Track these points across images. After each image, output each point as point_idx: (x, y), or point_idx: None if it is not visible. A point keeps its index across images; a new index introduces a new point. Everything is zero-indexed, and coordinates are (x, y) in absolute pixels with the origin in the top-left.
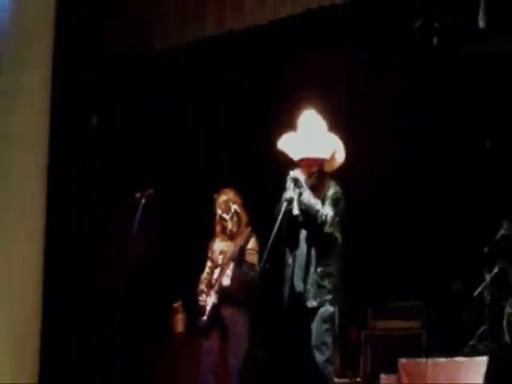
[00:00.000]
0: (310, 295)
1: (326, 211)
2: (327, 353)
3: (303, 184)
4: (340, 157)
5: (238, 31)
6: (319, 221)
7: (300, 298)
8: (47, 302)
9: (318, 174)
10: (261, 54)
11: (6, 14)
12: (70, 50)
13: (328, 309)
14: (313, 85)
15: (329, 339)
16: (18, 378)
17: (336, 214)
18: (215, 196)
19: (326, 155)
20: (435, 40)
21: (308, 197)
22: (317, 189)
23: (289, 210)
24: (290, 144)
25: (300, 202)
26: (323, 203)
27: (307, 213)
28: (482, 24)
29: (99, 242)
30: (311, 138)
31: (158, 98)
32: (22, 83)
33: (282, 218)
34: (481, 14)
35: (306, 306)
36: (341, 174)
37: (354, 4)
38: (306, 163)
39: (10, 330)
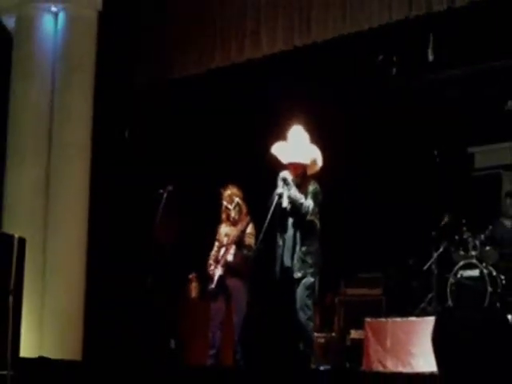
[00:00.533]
0: (296, 268)
1: (308, 203)
2: (309, 312)
3: (290, 182)
4: (319, 163)
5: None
6: (303, 211)
7: (288, 270)
8: (91, 282)
9: (302, 175)
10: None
11: (58, 52)
12: (108, 77)
13: (309, 279)
14: (299, 107)
15: (310, 302)
16: (63, 354)
17: (315, 205)
18: (222, 190)
19: (307, 161)
20: (394, 70)
21: (294, 192)
22: (301, 186)
23: (279, 203)
24: (280, 150)
25: (288, 196)
26: (306, 197)
27: (293, 205)
28: (430, 57)
29: (134, 228)
30: (297, 146)
31: (175, 114)
32: (72, 103)
33: (273, 209)
34: (430, 49)
35: (293, 277)
36: (318, 175)
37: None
38: (292, 166)
39: (55, 309)
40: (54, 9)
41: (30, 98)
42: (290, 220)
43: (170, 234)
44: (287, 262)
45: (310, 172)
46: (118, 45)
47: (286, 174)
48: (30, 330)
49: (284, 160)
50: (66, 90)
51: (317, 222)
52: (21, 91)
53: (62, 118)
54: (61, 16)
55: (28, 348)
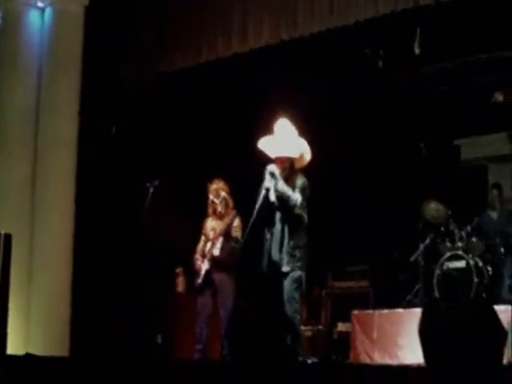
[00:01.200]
0: (284, 262)
1: (296, 197)
2: (296, 306)
3: (278, 176)
4: (307, 157)
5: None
6: (291, 204)
7: (276, 264)
8: (77, 278)
9: (289, 168)
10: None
11: (44, 48)
12: (94, 72)
13: (297, 272)
14: (287, 98)
15: (297, 295)
16: (50, 351)
17: (303, 199)
18: (208, 184)
19: (295, 155)
20: (380, 63)
21: (281, 186)
22: (288, 180)
23: (266, 197)
24: (267, 144)
25: (275, 190)
26: (293, 191)
27: (281, 198)
28: (417, 51)
29: (120, 223)
30: (284, 140)
31: (162, 108)
32: (58, 99)
33: (260, 203)
34: (416, 43)
35: (281, 271)
36: (306, 168)
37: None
38: (279, 160)
39: (42, 305)
40: (40, 4)
41: (16, 93)
42: (278, 214)
43: (157, 227)
44: (275, 255)
45: (297, 165)
46: (104, 40)
47: (273, 167)
48: (17, 326)
49: (271, 154)
50: (53, 85)
51: (305, 215)
52: (7, 87)
53: (48, 114)
54: (47, 11)
55: (15, 345)
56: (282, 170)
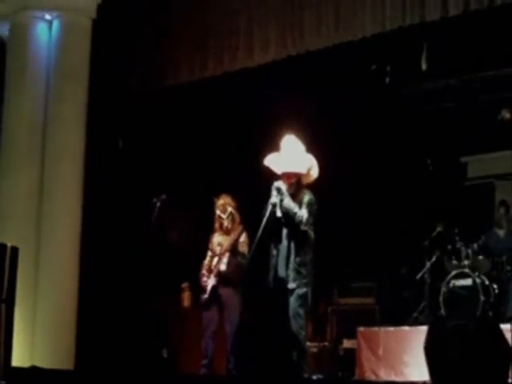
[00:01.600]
0: (290, 279)
1: (302, 213)
2: (301, 322)
3: (284, 192)
4: (314, 172)
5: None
6: (297, 220)
7: (282, 281)
8: (83, 291)
9: (296, 184)
10: (248, 92)
11: (52, 60)
12: (102, 85)
13: (303, 289)
14: (293, 113)
15: (302, 311)
16: (55, 363)
17: (310, 215)
18: (215, 200)
19: (302, 170)
20: (387, 80)
21: (288, 202)
22: (295, 196)
23: (273, 213)
24: (273, 161)
25: (282, 206)
26: (300, 207)
27: (287, 214)
28: (424, 67)
29: (127, 237)
30: (291, 156)
31: (169, 124)
32: (65, 111)
33: (267, 219)
34: (423, 59)
35: (287, 288)
36: (313, 184)
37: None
38: (286, 176)
39: (47, 318)
40: (48, 17)
41: (23, 105)
42: (285, 230)
43: (163, 242)
44: (281, 272)
45: (305, 181)
46: (111, 53)
47: (280, 183)
48: (23, 339)
49: (278, 170)
50: (60, 97)
51: (311, 232)
52: (14, 99)
53: (55, 126)
54: (55, 24)
55: (20, 357)
56: (289, 186)
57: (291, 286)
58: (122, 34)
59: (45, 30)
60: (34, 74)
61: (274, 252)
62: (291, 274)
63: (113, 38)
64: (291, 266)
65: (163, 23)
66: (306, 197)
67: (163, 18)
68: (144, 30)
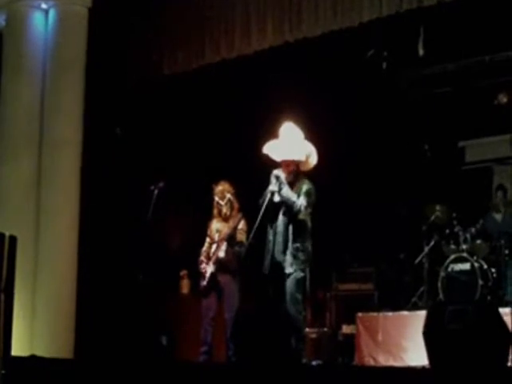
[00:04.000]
0: (288, 264)
1: (301, 202)
2: (298, 306)
3: (283, 180)
4: (313, 160)
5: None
6: (295, 209)
7: (279, 265)
8: (82, 280)
9: (295, 172)
10: (245, 79)
11: (48, 50)
12: (99, 74)
13: (300, 274)
14: (291, 100)
15: (299, 296)
16: (54, 352)
17: (308, 204)
18: (214, 186)
19: (301, 158)
20: (384, 65)
21: (286, 191)
22: (294, 184)
23: (271, 200)
24: (272, 148)
25: (280, 195)
26: (298, 196)
27: (286, 203)
28: (421, 52)
29: (125, 225)
30: (290, 143)
31: (166, 112)
32: (62, 101)
33: (265, 206)
34: (420, 44)
35: (284, 272)
36: (311, 170)
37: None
38: (285, 163)
39: (46, 307)
40: (44, 6)
41: (20, 95)
42: (281, 217)
43: (162, 230)
44: (279, 256)
45: (303, 169)
46: (108, 42)
47: (279, 171)
48: (22, 328)
49: (277, 158)
50: (57, 87)
51: (308, 221)
52: (11, 88)
53: (52, 116)
54: (51, 13)
55: (20, 346)
56: (288, 174)
57: (288, 270)
58: (119, 23)
59: (41, 20)
60: (31, 63)
61: (271, 238)
62: (288, 259)
63: (109, 27)
64: (288, 251)
65: (160, 12)
66: (305, 186)
67: (159, 6)
68: (140, 18)
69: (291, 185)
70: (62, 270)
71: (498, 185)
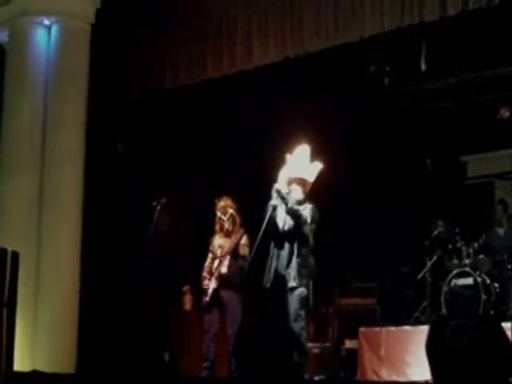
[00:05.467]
0: (291, 278)
1: (306, 215)
2: (302, 323)
3: (284, 195)
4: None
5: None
6: (302, 219)
7: (283, 279)
8: (84, 295)
9: (305, 193)
10: (247, 94)
11: (51, 65)
12: (101, 89)
13: (303, 290)
14: (293, 117)
15: (303, 312)
16: (56, 368)
17: (312, 220)
18: (216, 201)
19: (312, 179)
20: (386, 80)
21: (291, 203)
22: (301, 204)
23: (273, 215)
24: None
25: (286, 207)
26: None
27: (292, 213)
28: (423, 67)
29: (127, 241)
30: (303, 163)
31: (168, 127)
32: (65, 116)
33: (267, 221)
34: (422, 59)
35: (287, 286)
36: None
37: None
38: (303, 182)
39: (49, 322)
40: (46, 22)
41: (23, 111)
42: (286, 231)
43: (164, 245)
44: (282, 270)
45: (305, 190)
46: (110, 57)
47: (279, 186)
48: (24, 343)
49: (291, 174)
50: (60, 102)
51: (311, 237)
52: (14, 104)
53: (55, 131)
54: (54, 29)
55: (22, 362)
56: (301, 193)
57: (291, 284)
58: (121, 38)
59: (44, 36)
60: (34, 79)
61: (275, 253)
62: (292, 273)
63: (111, 43)
64: (292, 265)
65: (161, 27)
66: (309, 205)
67: (161, 21)
68: (142, 33)
69: (300, 204)
70: (64, 285)
71: (499, 199)
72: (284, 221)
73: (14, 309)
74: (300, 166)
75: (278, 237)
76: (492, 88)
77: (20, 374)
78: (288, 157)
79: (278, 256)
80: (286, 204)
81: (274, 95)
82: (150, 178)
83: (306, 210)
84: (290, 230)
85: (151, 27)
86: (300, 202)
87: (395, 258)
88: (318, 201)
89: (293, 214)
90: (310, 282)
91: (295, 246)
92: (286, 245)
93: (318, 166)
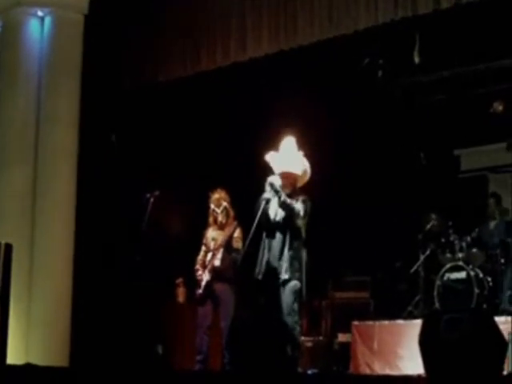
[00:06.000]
0: (283, 270)
1: (299, 207)
2: (296, 317)
3: (278, 188)
4: (307, 176)
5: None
6: (295, 212)
7: (275, 271)
8: (78, 288)
9: (293, 185)
10: (241, 86)
11: (44, 57)
12: (94, 81)
13: (296, 283)
14: (287, 109)
15: (296, 306)
16: (49, 361)
17: (305, 212)
18: (210, 194)
19: (299, 172)
20: (379, 73)
21: (284, 196)
22: (291, 197)
23: (266, 208)
24: (273, 159)
25: (279, 200)
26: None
27: (285, 207)
28: (416, 60)
29: (121, 233)
30: (290, 157)
31: (162, 119)
32: (58, 107)
33: (260, 214)
34: (416, 52)
35: (280, 278)
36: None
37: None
38: (284, 175)
39: (42, 315)
40: (40, 13)
41: (16, 102)
42: (279, 223)
43: (157, 238)
44: (274, 263)
45: (299, 184)
46: (104, 48)
47: (273, 179)
48: (17, 336)
49: (276, 169)
50: (53, 94)
51: (303, 230)
52: (7, 96)
53: (48, 123)
54: (47, 20)
55: (15, 355)
56: (286, 186)
57: (284, 276)
58: (114, 30)
59: (37, 27)
60: (27, 70)
61: (267, 245)
62: (284, 265)
63: (105, 34)
64: (284, 257)
65: (155, 18)
66: (301, 197)
67: (155, 13)
68: (136, 25)
69: (289, 197)
70: (57, 278)
71: (491, 192)
72: (275, 212)
73: (7, 302)
74: (286, 159)
75: (270, 228)
76: (485, 81)
77: (13, 367)
78: (280, 149)
79: (270, 248)
80: (280, 197)
81: (268, 88)
82: (144, 171)
83: (299, 204)
84: (281, 220)
85: (145, 19)
86: (289, 195)
87: (388, 252)
88: (311, 195)
89: (285, 207)
90: (303, 275)
91: (287, 238)
92: (278, 237)
93: (304, 162)
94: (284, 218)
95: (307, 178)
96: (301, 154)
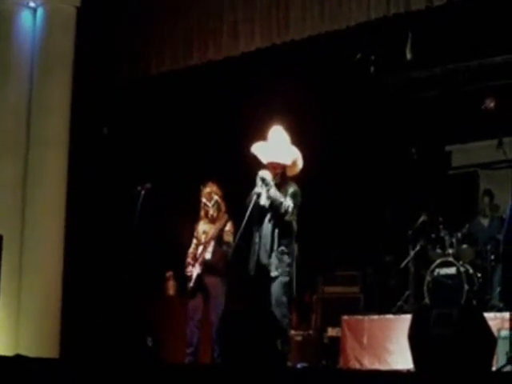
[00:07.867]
0: (273, 267)
1: (288, 203)
2: (284, 310)
3: (269, 182)
4: (299, 165)
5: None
6: (282, 210)
7: (265, 268)
8: (68, 280)
9: (281, 175)
10: (233, 80)
11: (36, 48)
12: (86, 73)
13: (286, 278)
14: (278, 104)
15: (285, 300)
16: (40, 352)
17: (294, 206)
18: (201, 187)
19: (287, 162)
20: (372, 69)
21: (274, 192)
22: (280, 187)
23: (257, 202)
24: (260, 149)
25: (268, 196)
26: (285, 197)
27: (273, 203)
28: (408, 56)
29: (111, 226)
30: (277, 147)
31: (154, 112)
32: (50, 99)
33: (251, 208)
34: (408, 49)
35: (270, 275)
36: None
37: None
38: (272, 166)
39: (32, 306)
40: (32, 4)
41: (7, 94)
42: (268, 218)
43: (148, 231)
44: (264, 259)
45: (290, 173)
46: (96, 41)
47: (264, 173)
48: (7, 327)
49: (264, 160)
50: (45, 86)
51: (294, 223)
52: None
53: (40, 115)
54: (39, 11)
55: (5, 346)
56: (274, 176)
57: (274, 273)
58: (107, 22)
59: (29, 18)
60: (19, 61)
61: (257, 239)
62: (274, 262)
63: (97, 26)
64: (274, 254)
65: (148, 11)
66: (291, 188)
67: (148, 6)
68: (128, 18)
69: (278, 187)
70: (47, 269)
71: (485, 190)
72: (265, 201)
73: None
74: (273, 148)
75: (262, 216)
76: (477, 78)
77: (3, 359)
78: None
79: (260, 244)
80: (268, 191)
81: (260, 82)
82: (135, 163)
83: (288, 199)
84: (271, 206)
85: (137, 12)
86: (278, 186)
87: (379, 247)
88: (302, 190)
89: (273, 202)
90: (294, 270)
91: (277, 233)
92: (269, 231)
93: (296, 153)
94: (272, 213)
95: (299, 168)
96: (289, 143)
